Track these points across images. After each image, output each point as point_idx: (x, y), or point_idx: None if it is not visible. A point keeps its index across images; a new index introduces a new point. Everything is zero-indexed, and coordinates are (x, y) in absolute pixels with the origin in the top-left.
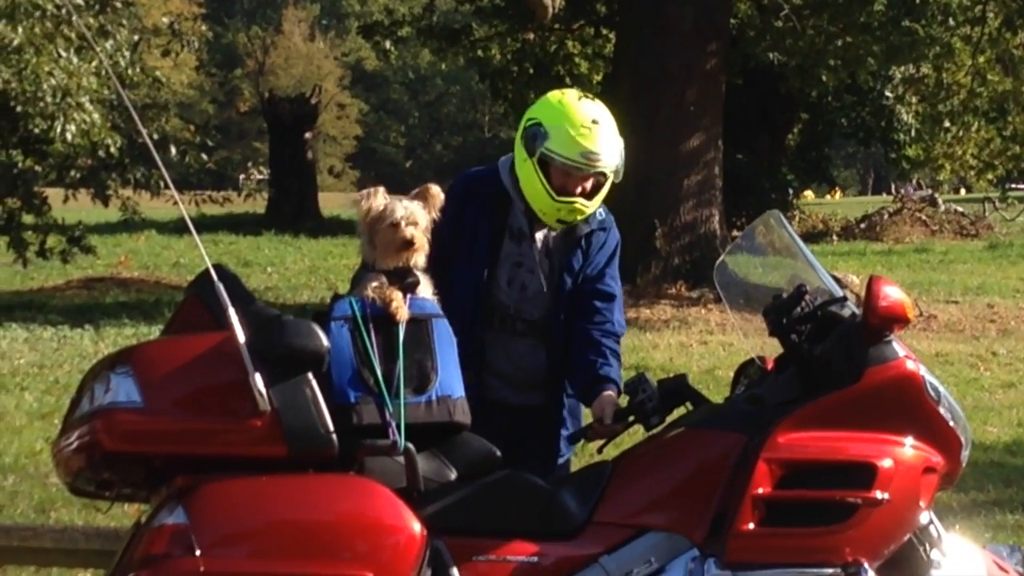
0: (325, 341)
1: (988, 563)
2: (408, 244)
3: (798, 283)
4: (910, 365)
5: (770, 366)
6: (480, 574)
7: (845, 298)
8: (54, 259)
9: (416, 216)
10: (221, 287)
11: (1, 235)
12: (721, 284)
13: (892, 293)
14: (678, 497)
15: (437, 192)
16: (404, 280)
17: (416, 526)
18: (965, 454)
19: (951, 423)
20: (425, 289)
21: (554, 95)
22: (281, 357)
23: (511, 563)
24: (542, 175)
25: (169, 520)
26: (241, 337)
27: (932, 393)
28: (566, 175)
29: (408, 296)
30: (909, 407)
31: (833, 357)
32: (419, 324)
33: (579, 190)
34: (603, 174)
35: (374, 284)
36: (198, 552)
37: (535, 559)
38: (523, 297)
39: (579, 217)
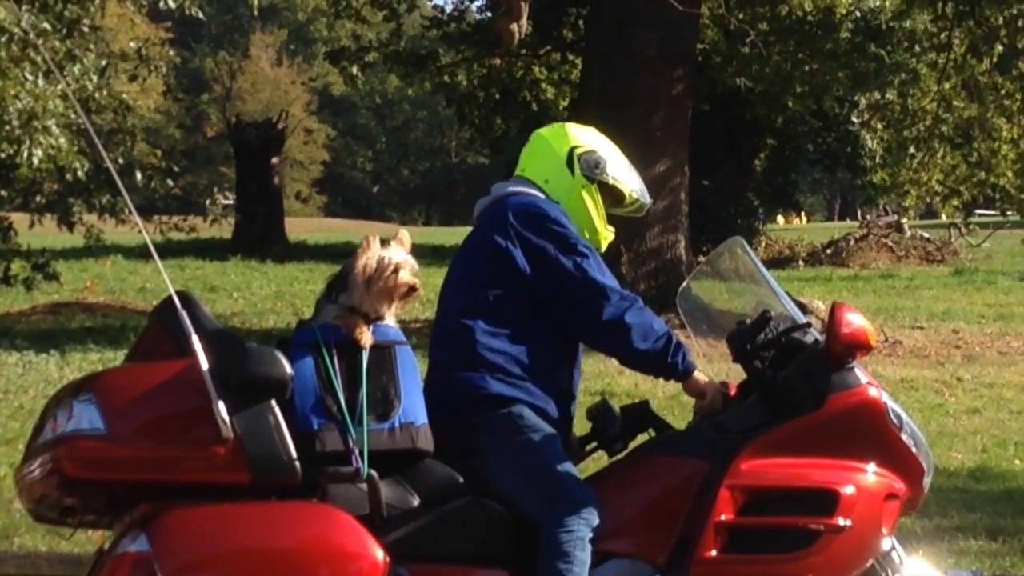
0: (288, 369)
1: None
2: (413, 290)
3: (762, 309)
4: (872, 392)
5: (733, 391)
6: None
7: (809, 324)
8: (17, 286)
9: (412, 263)
10: (184, 314)
11: None
12: (685, 310)
13: (855, 320)
14: (641, 523)
15: (407, 236)
16: (367, 320)
17: (379, 553)
18: (927, 480)
19: (913, 449)
20: (388, 319)
21: (577, 127)
22: (244, 384)
23: None
24: (600, 202)
25: (132, 548)
26: (204, 364)
27: (894, 420)
28: (604, 206)
29: (371, 324)
30: (871, 434)
31: (796, 383)
32: (382, 351)
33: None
34: (629, 204)
35: (337, 312)
36: None
37: None
38: None
39: (604, 249)
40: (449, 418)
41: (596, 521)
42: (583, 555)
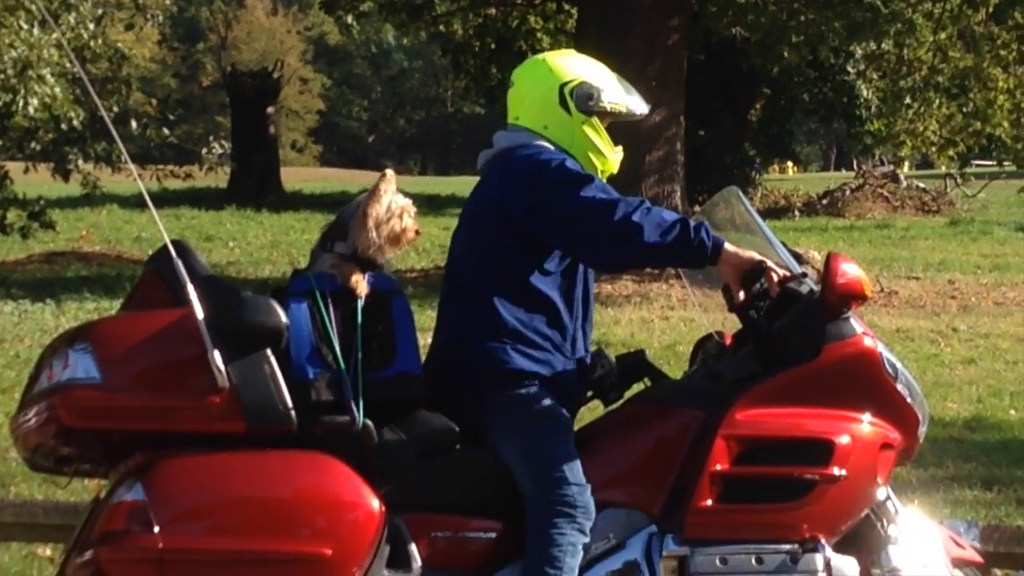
0: (283, 317)
1: (944, 538)
2: (417, 233)
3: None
4: (867, 342)
5: (728, 341)
6: (439, 550)
7: (804, 274)
8: (14, 234)
9: (411, 208)
10: (179, 263)
11: None
12: None
13: (850, 270)
14: (636, 473)
15: (392, 175)
16: (364, 267)
17: (374, 502)
18: (922, 430)
19: (908, 399)
20: (384, 269)
21: (557, 57)
22: (239, 333)
23: (469, 539)
24: (604, 132)
25: (127, 496)
26: (199, 313)
27: (889, 370)
28: (606, 129)
29: (367, 272)
30: (866, 383)
31: (791, 333)
32: (379, 300)
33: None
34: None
35: (333, 261)
36: (156, 529)
37: (493, 535)
38: None
39: (616, 169)
40: (465, 387)
41: (589, 527)
42: (573, 562)
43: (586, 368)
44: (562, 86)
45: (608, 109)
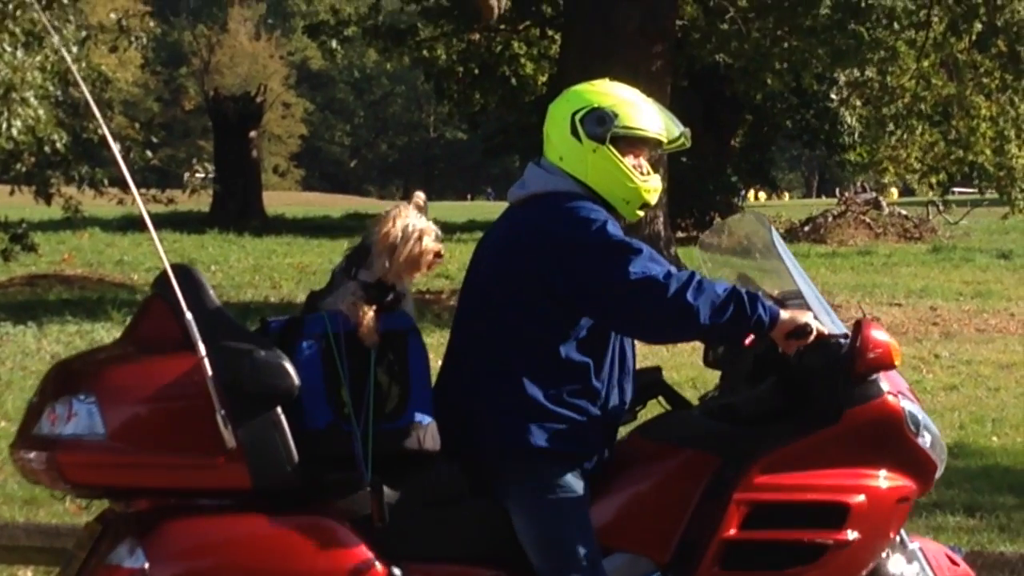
0: (296, 380)
1: (941, 557)
2: (439, 256)
3: (788, 291)
4: (890, 401)
5: (748, 339)
6: None
7: (846, 335)
8: None
9: (435, 228)
10: (190, 317)
11: None
12: (706, 256)
13: (881, 343)
14: (645, 518)
15: (423, 196)
16: (387, 295)
17: (377, 565)
18: (939, 473)
19: (928, 450)
20: (407, 305)
21: (581, 86)
22: (251, 395)
23: None
24: (620, 158)
25: (127, 563)
26: (209, 371)
27: (912, 426)
28: (634, 155)
29: (382, 313)
30: (888, 443)
31: (813, 387)
32: (393, 340)
33: (646, 168)
34: (668, 144)
35: (350, 300)
36: None
37: None
38: None
39: (655, 200)
40: (479, 456)
41: None
42: None
43: (618, 419)
44: (574, 114)
45: (623, 134)
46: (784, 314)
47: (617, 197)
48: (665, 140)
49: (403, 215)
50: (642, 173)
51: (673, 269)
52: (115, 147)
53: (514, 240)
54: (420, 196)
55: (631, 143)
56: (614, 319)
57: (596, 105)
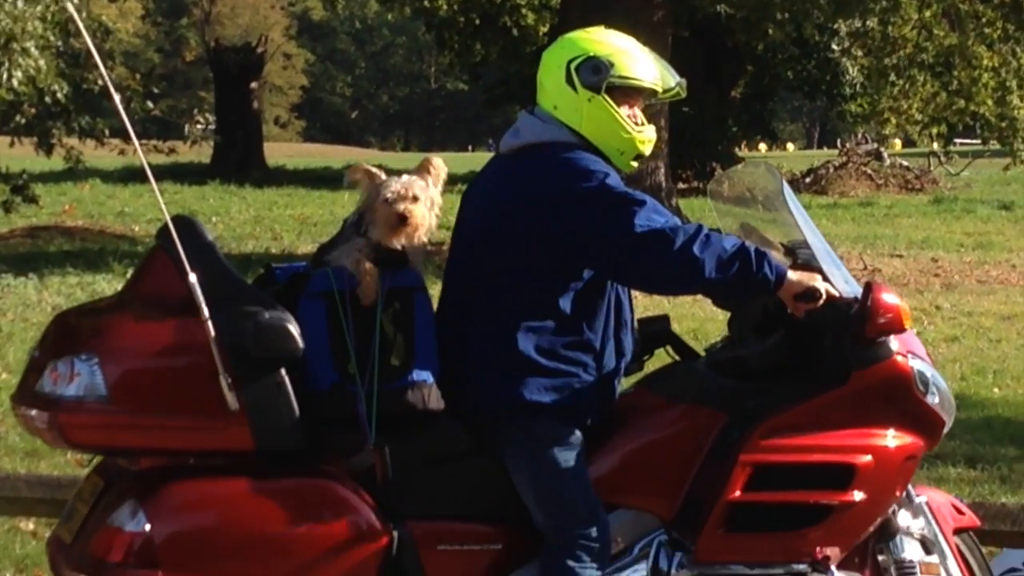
0: (300, 343)
1: (947, 507)
2: (402, 220)
3: (796, 242)
4: (900, 361)
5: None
6: (447, 560)
7: (856, 299)
8: None
9: (413, 190)
10: (193, 279)
11: None
12: (716, 203)
13: (892, 307)
14: (650, 475)
15: (439, 164)
16: (393, 253)
17: (379, 525)
18: (947, 428)
19: (937, 409)
20: (416, 264)
21: (576, 34)
22: (255, 358)
23: (478, 548)
24: (615, 108)
25: (129, 526)
26: (212, 332)
27: (920, 386)
28: (629, 105)
29: (388, 270)
30: (897, 403)
31: (823, 342)
32: (399, 297)
33: (641, 118)
34: (663, 93)
35: (355, 256)
36: (157, 566)
37: (501, 544)
38: None
39: (649, 150)
40: (476, 414)
41: (606, 560)
42: None
43: (617, 375)
44: (569, 62)
45: (618, 84)
46: (792, 275)
47: (611, 147)
48: (660, 90)
49: (365, 176)
50: (637, 123)
51: (679, 221)
52: (116, 97)
53: (508, 193)
54: (428, 161)
55: (626, 93)
56: (618, 271)
57: (592, 53)
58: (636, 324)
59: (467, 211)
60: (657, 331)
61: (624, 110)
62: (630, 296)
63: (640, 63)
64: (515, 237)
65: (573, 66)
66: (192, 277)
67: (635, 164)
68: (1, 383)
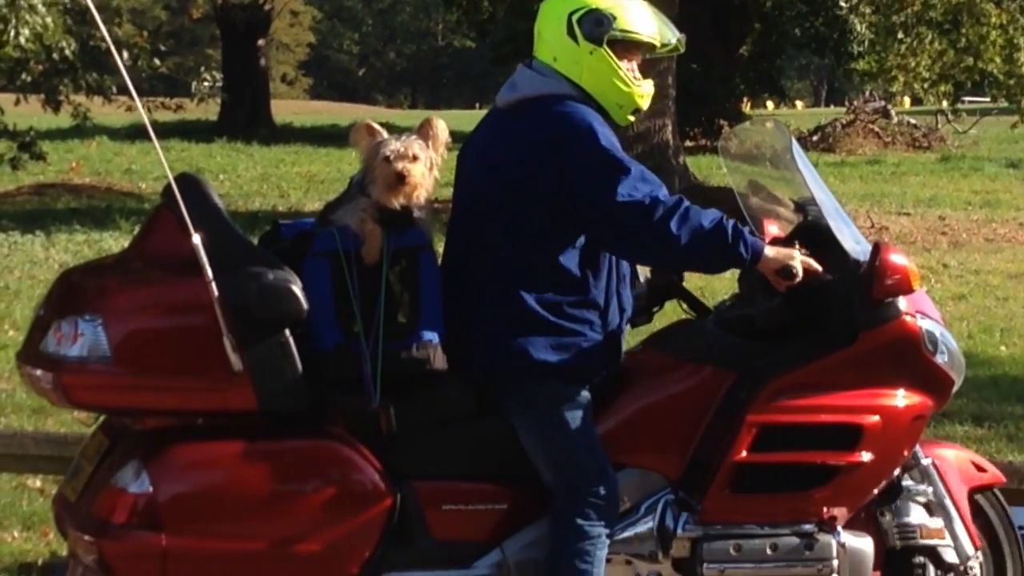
0: (304, 304)
1: (966, 466)
2: (400, 179)
3: (804, 199)
4: (908, 321)
5: (768, 239)
6: (452, 519)
7: (858, 264)
8: (3, 166)
9: (412, 150)
10: (197, 241)
11: None
12: (724, 151)
13: (900, 268)
14: (657, 434)
15: (440, 126)
16: (398, 213)
17: (384, 485)
18: (957, 387)
19: (946, 367)
20: (424, 223)
21: None
22: (258, 319)
23: (483, 507)
24: (616, 61)
25: (133, 487)
26: (215, 292)
27: (929, 346)
28: (628, 59)
29: (393, 230)
30: (905, 363)
31: (831, 302)
32: (406, 257)
33: (638, 74)
34: (661, 48)
35: (359, 216)
36: (162, 526)
37: (506, 503)
38: None
39: (647, 105)
40: (482, 375)
41: (616, 517)
42: (601, 554)
43: (622, 332)
44: (571, 14)
45: (619, 37)
46: (769, 251)
47: (611, 101)
48: (659, 44)
49: (367, 135)
50: (635, 77)
51: (663, 193)
52: (117, 56)
53: (505, 147)
54: (428, 122)
55: (626, 47)
56: (598, 236)
57: (594, 6)
58: (648, 276)
59: (465, 168)
60: (668, 284)
61: (624, 64)
62: None
63: (641, 18)
64: (512, 192)
65: (575, 18)
66: (196, 237)
67: (632, 118)
68: (8, 340)
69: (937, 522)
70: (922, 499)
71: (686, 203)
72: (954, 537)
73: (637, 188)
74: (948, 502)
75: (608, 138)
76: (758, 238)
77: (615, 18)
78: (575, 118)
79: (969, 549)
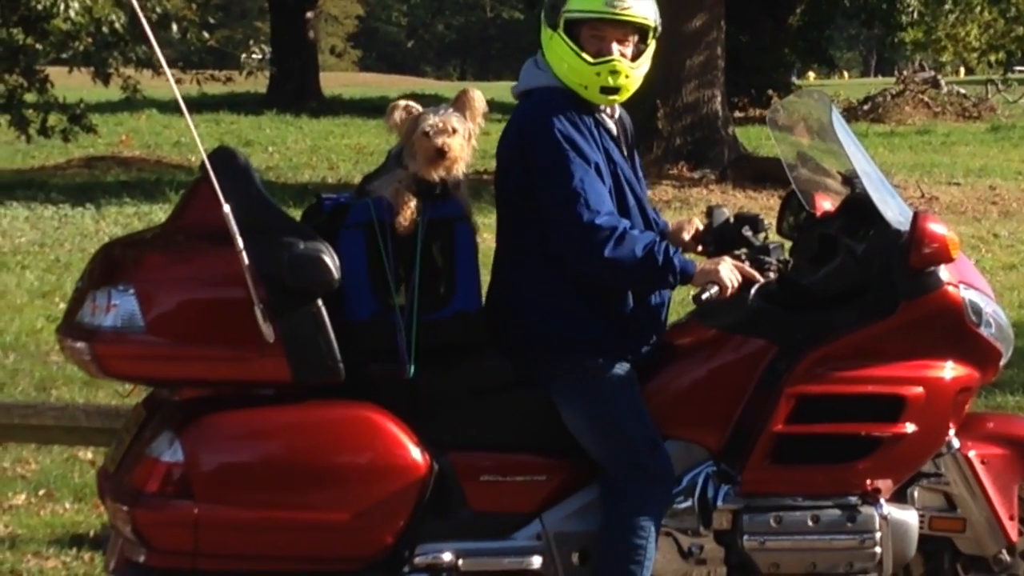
0: (336, 273)
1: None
2: (441, 153)
3: (861, 184)
4: (951, 291)
5: (819, 212)
6: (490, 491)
7: (899, 233)
8: (55, 137)
9: (451, 124)
10: (227, 209)
11: (2, 113)
12: (772, 124)
13: (938, 236)
14: (700, 407)
15: (476, 97)
16: (434, 186)
17: (419, 460)
18: (1005, 359)
19: (993, 340)
20: (460, 194)
21: None
22: (290, 288)
23: (521, 479)
24: (572, 43)
25: (166, 456)
26: (246, 261)
27: (973, 316)
28: (599, 39)
29: (431, 199)
30: (949, 333)
31: (873, 271)
32: (440, 227)
33: (616, 51)
34: (637, 29)
35: (394, 188)
36: (194, 496)
37: (544, 475)
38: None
39: (624, 82)
40: (523, 348)
41: (669, 488)
42: (655, 528)
43: (664, 305)
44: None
45: (574, 18)
46: (698, 270)
47: (574, 83)
48: (612, 16)
49: (401, 110)
50: (607, 55)
51: (601, 216)
52: (148, 30)
53: (505, 141)
54: (466, 93)
55: (596, 27)
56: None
57: None
58: (727, 216)
59: (497, 155)
60: (738, 230)
61: (615, 47)
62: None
63: None
64: (518, 185)
65: (546, 3)
66: (226, 207)
67: (611, 98)
68: (59, 313)
69: (955, 514)
70: (941, 488)
71: (622, 228)
72: (979, 531)
73: (576, 211)
74: (975, 493)
75: (567, 139)
76: (690, 261)
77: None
78: (536, 120)
79: (998, 544)
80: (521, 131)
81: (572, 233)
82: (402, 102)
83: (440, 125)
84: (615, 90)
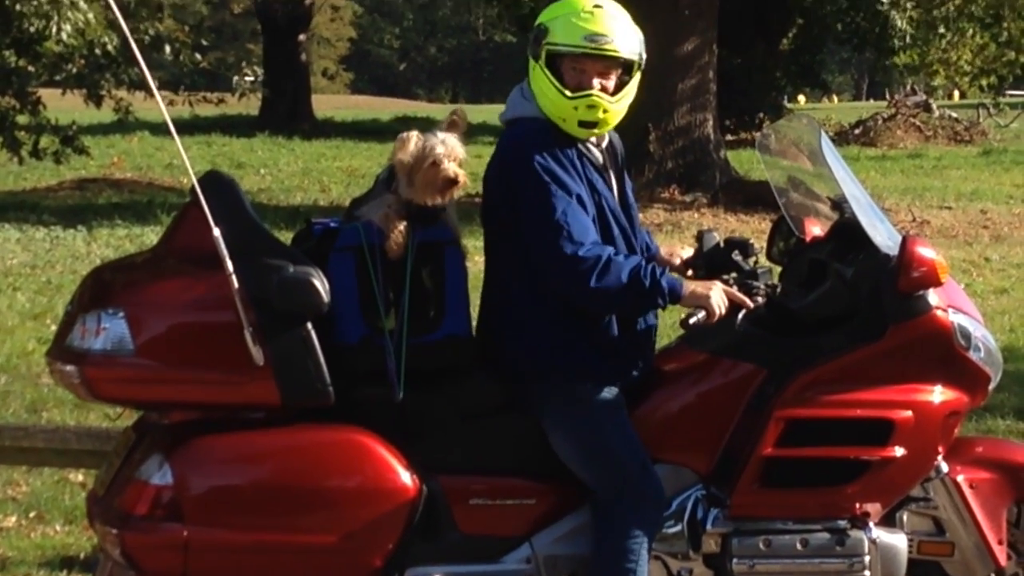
0: (325, 297)
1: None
2: (452, 182)
3: (850, 209)
4: (939, 316)
5: (809, 238)
6: (480, 514)
7: (888, 258)
8: (47, 159)
9: (457, 151)
10: (217, 233)
11: None
12: (762, 148)
13: (927, 260)
14: (689, 431)
15: (465, 116)
16: (423, 211)
17: (408, 478)
18: (994, 384)
19: (981, 364)
20: (448, 218)
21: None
22: (279, 311)
23: (511, 503)
24: (552, 76)
25: (155, 479)
26: (235, 284)
27: (962, 340)
28: (580, 72)
29: (418, 226)
30: (937, 357)
31: (861, 295)
32: (430, 252)
33: (597, 85)
34: (620, 63)
35: (383, 212)
36: (183, 518)
37: (534, 499)
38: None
39: (602, 116)
40: (510, 372)
41: (660, 511)
42: (646, 552)
43: (652, 330)
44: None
45: (555, 51)
46: (687, 291)
47: (554, 115)
48: (592, 51)
49: (416, 139)
50: (586, 90)
51: (585, 247)
52: (137, 52)
53: (495, 173)
54: (456, 115)
55: (578, 60)
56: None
57: (540, 20)
58: (717, 241)
59: (484, 178)
60: (727, 255)
61: (596, 80)
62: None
63: (572, 26)
64: (504, 214)
65: (532, 35)
66: (216, 231)
67: (589, 131)
68: (50, 335)
69: (944, 538)
70: (930, 513)
71: (606, 257)
72: (967, 556)
73: (559, 243)
74: (964, 518)
75: (548, 172)
76: (678, 280)
77: (548, 31)
78: (517, 153)
79: (986, 568)
80: (504, 163)
81: (557, 267)
82: (414, 133)
83: (451, 153)
84: (593, 124)
